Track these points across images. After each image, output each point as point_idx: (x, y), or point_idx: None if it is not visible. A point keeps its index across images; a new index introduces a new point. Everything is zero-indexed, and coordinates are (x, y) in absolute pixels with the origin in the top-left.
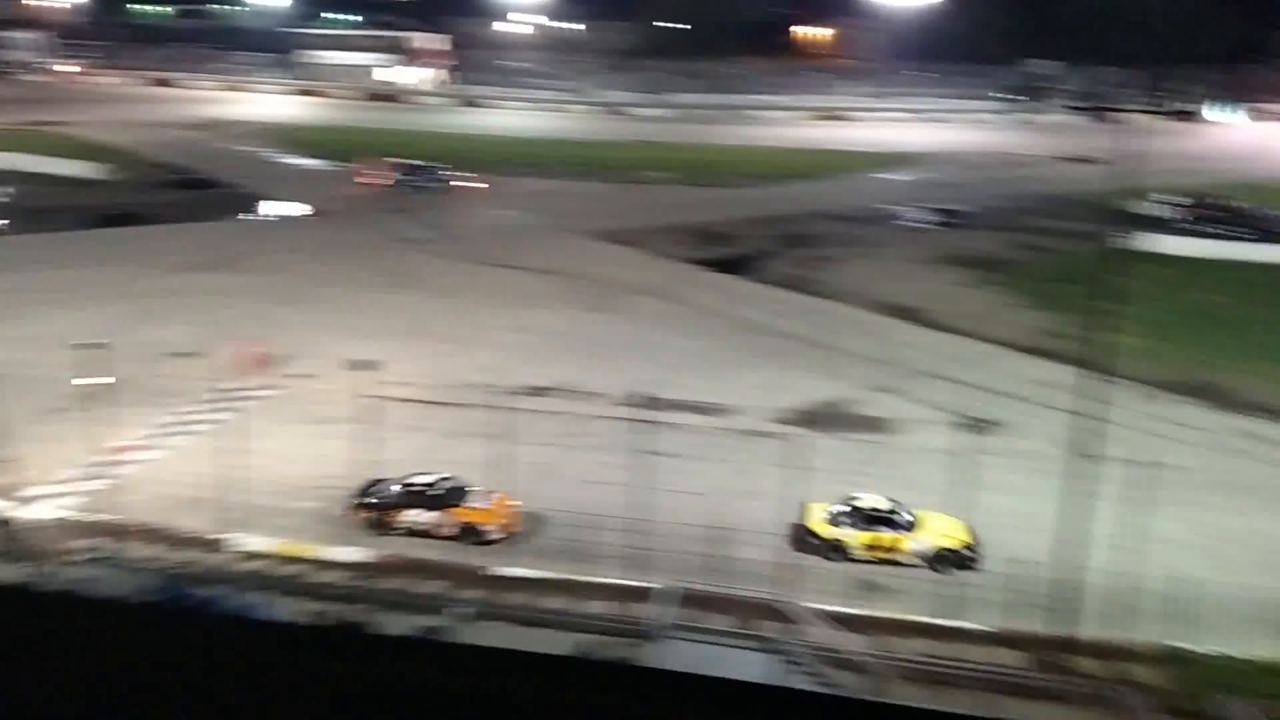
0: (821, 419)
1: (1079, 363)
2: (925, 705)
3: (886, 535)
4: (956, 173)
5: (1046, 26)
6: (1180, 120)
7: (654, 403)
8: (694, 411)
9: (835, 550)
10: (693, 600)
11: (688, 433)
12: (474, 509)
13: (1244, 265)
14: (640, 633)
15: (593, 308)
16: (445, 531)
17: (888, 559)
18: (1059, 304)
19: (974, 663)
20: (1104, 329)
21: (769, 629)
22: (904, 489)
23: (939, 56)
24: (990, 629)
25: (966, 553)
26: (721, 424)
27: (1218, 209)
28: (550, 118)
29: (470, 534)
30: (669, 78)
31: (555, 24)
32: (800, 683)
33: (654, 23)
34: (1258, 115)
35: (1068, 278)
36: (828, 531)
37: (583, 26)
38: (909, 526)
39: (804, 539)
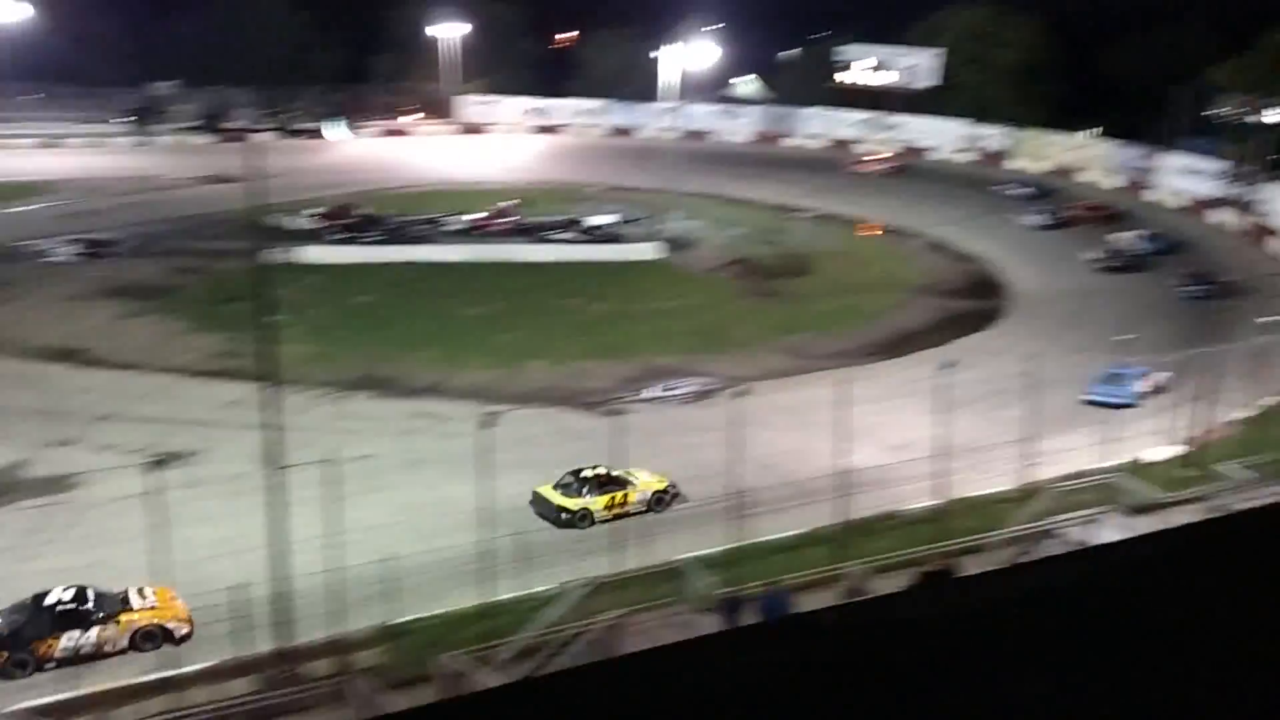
0: None
1: (256, 378)
2: None
3: (619, 494)
4: (91, 200)
5: (163, 48)
6: (304, 138)
7: None
8: None
9: (584, 518)
10: None
11: None
12: (150, 609)
13: (381, 266)
14: None
15: None
16: (119, 646)
17: (621, 513)
18: (225, 324)
19: (203, 706)
20: (272, 341)
21: None
22: (97, 546)
23: (43, 77)
24: (213, 665)
25: (672, 489)
26: None
27: (351, 217)
28: None
29: (153, 639)
30: None
31: None
32: None
33: None
34: (366, 131)
35: (228, 297)
36: (575, 502)
37: None
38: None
39: (557, 515)
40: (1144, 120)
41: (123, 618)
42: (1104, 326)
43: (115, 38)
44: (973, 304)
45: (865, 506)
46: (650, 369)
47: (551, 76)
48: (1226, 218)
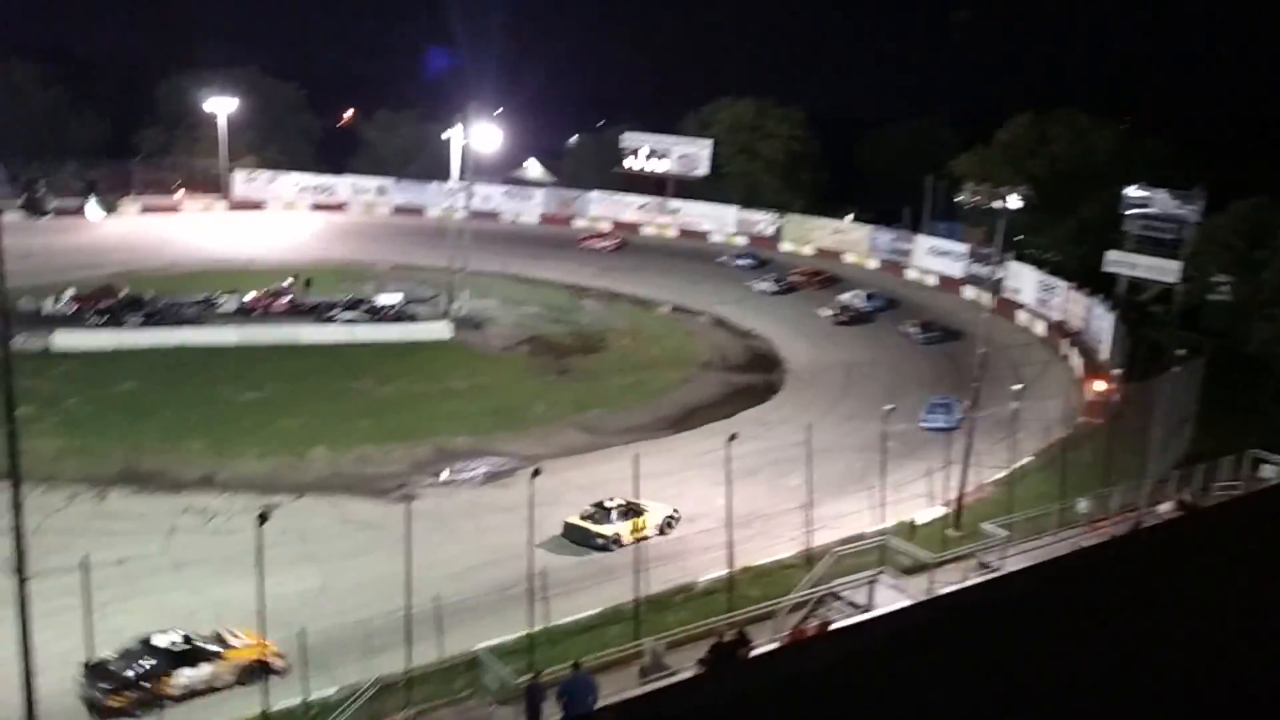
0: None
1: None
2: None
3: (639, 520)
4: None
5: None
6: (62, 216)
7: None
8: None
9: (615, 541)
10: None
11: None
12: (248, 647)
13: (146, 351)
14: None
15: None
16: (224, 680)
17: (641, 537)
18: None
19: None
20: (22, 436)
21: None
22: None
23: None
24: None
25: (676, 514)
26: None
27: (111, 299)
28: None
29: (256, 673)
30: None
31: None
32: None
33: None
34: (128, 209)
35: None
36: (608, 529)
37: None
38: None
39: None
40: (896, 206)
41: (229, 655)
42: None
43: None
44: (754, 377)
45: (661, 580)
46: (443, 451)
47: (331, 154)
48: (977, 294)
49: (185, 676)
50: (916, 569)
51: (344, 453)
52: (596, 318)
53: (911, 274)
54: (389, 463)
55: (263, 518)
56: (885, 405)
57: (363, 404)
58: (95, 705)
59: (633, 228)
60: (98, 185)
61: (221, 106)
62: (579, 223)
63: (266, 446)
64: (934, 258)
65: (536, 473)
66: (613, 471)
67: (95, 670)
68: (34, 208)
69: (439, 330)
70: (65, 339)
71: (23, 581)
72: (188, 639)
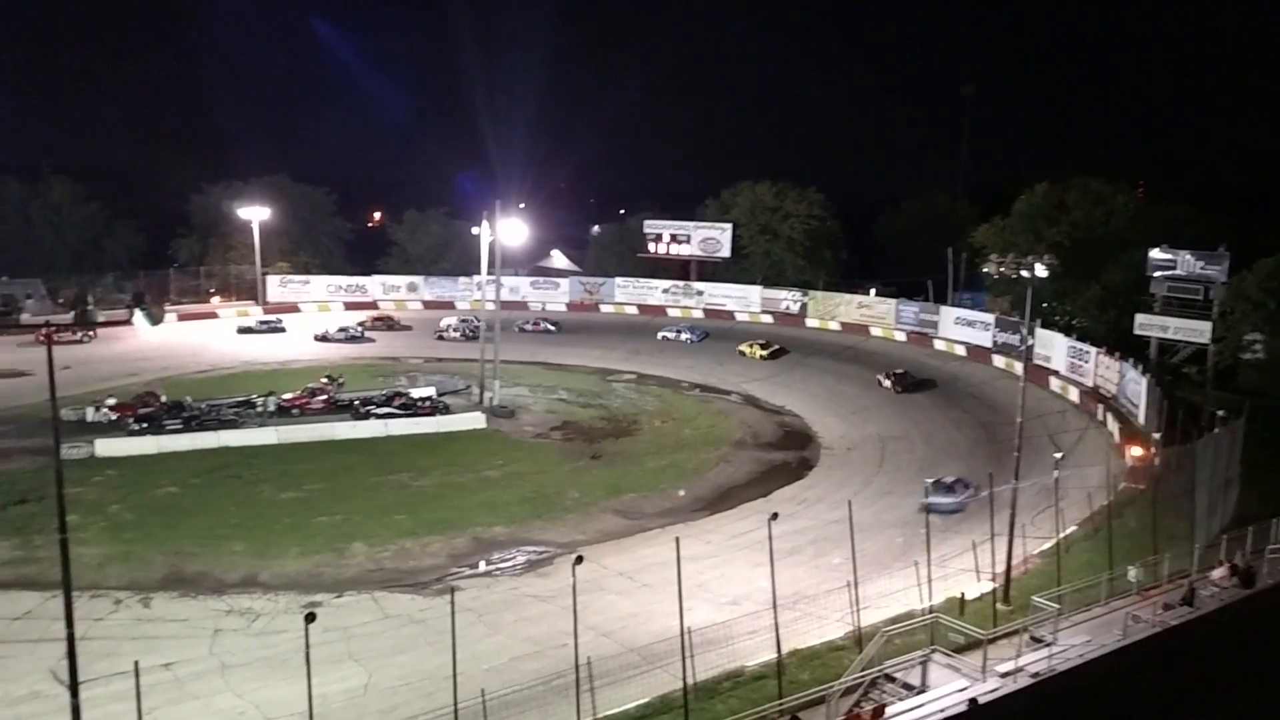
0: None
1: (50, 585)
2: None
3: None
4: None
5: None
6: (108, 326)
7: None
8: None
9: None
10: None
11: None
12: None
13: (186, 455)
14: None
15: None
16: None
17: None
18: (13, 529)
19: None
20: (70, 544)
21: None
22: None
23: None
24: None
25: None
26: None
27: (151, 405)
28: None
29: None
30: None
31: None
32: None
33: None
34: (167, 316)
35: (17, 499)
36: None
37: None
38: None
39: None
40: (918, 278)
41: None
42: (906, 468)
43: None
44: (788, 454)
45: (708, 666)
46: (479, 541)
47: (362, 255)
48: (1007, 362)
49: None
50: (969, 646)
51: (382, 547)
52: (627, 400)
53: (939, 345)
54: (427, 555)
55: (310, 617)
56: (923, 478)
57: (400, 497)
58: None
59: (659, 310)
60: (144, 297)
61: (255, 214)
62: (605, 308)
63: (306, 545)
64: (961, 328)
65: (579, 560)
66: (653, 555)
67: None
68: (84, 323)
69: (472, 420)
70: (107, 446)
71: (75, 693)
72: None
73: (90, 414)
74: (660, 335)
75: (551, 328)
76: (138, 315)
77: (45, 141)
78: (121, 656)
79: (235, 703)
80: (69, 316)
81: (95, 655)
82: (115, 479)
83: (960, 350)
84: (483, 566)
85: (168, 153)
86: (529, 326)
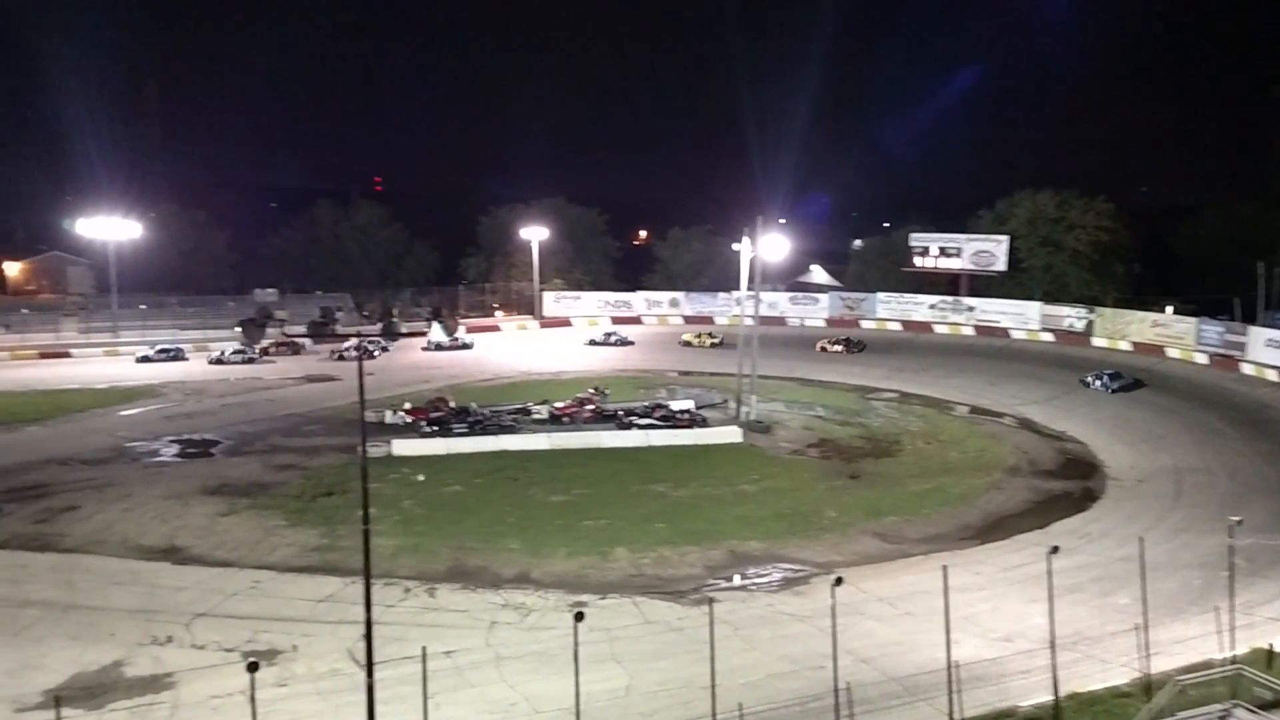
0: (92, 693)
1: (350, 573)
2: None
3: None
4: (197, 402)
5: (264, 259)
6: (410, 337)
7: None
8: None
9: None
10: None
11: None
12: None
13: (470, 456)
14: None
15: None
16: None
17: None
18: (319, 519)
19: None
20: (366, 535)
21: None
22: None
23: (158, 288)
24: None
25: None
26: None
27: (441, 410)
28: None
29: None
30: None
31: None
32: None
33: None
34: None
35: (323, 491)
36: None
37: None
38: None
39: None
40: (1222, 296)
41: None
42: (1206, 505)
43: (220, 251)
44: (1069, 484)
45: (976, 703)
46: (735, 555)
47: (628, 272)
48: None
49: None
50: (1278, 704)
51: (643, 554)
52: (888, 419)
53: (1247, 369)
54: (684, 565)
55: (579, 616)
56: (1228, 516)
57: (659, 506)
58: None
59: (924, 327)
60: (441, 312)
61: (535, 234)
62: (866, 324)
63: (574, 546)
64: (1273, 350)
65: (839, 581)
66: (916, 582)
67: None
68: (390, 333)
69: (729, 434)
70: (402, 446)
71: (370, 673)
72: None
73: (388, 416)
74: (1081, 380)
75: (848, 348)
76: (434, 329)
77: (350, 168)
78: (408, 642)
79: (508, 694)
80: (376, 328)
81: (386, 639)
82: (408, 476)
83: (1272, 375)
84: (738, 580)
85: (460, 179)
86: (832, 347)
